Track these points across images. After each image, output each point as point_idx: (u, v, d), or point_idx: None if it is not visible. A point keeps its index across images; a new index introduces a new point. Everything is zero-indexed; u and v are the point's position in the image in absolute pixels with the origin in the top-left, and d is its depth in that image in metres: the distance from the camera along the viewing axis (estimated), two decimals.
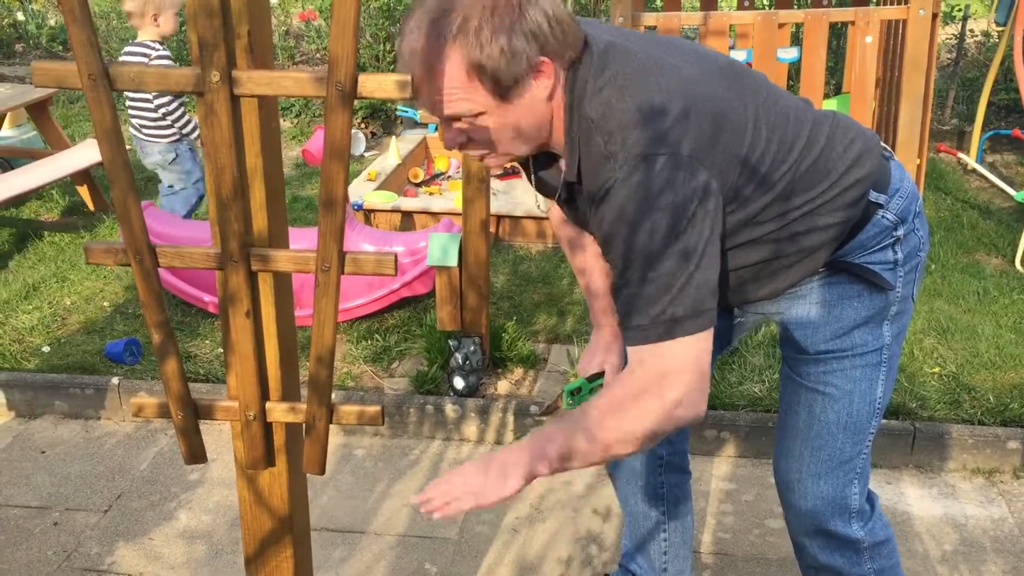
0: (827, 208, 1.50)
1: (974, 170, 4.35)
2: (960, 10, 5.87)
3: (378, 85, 1.13)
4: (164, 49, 3.79)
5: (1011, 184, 4.32)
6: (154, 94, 3.72)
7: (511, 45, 1.31)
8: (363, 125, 5.93)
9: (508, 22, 1.31)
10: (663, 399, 1.36)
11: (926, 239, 1.65)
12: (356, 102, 3.53)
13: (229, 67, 1.09)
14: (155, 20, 3.75)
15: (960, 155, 4.40)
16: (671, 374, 1.36)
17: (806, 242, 1.52)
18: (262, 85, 1.11)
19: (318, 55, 6.98)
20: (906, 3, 3.57)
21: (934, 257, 3.93)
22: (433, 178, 4.90)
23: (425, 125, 5.29)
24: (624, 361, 1.82)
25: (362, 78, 1.13)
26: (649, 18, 3.86)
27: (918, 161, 3.73)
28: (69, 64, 1.07)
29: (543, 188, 1.62)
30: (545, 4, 1.34)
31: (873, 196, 1.54)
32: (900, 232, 1.57)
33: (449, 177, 4.91)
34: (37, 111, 4.75)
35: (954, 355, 3.18)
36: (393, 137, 5.20)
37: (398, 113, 5.61)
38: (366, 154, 5.52)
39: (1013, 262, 3.87)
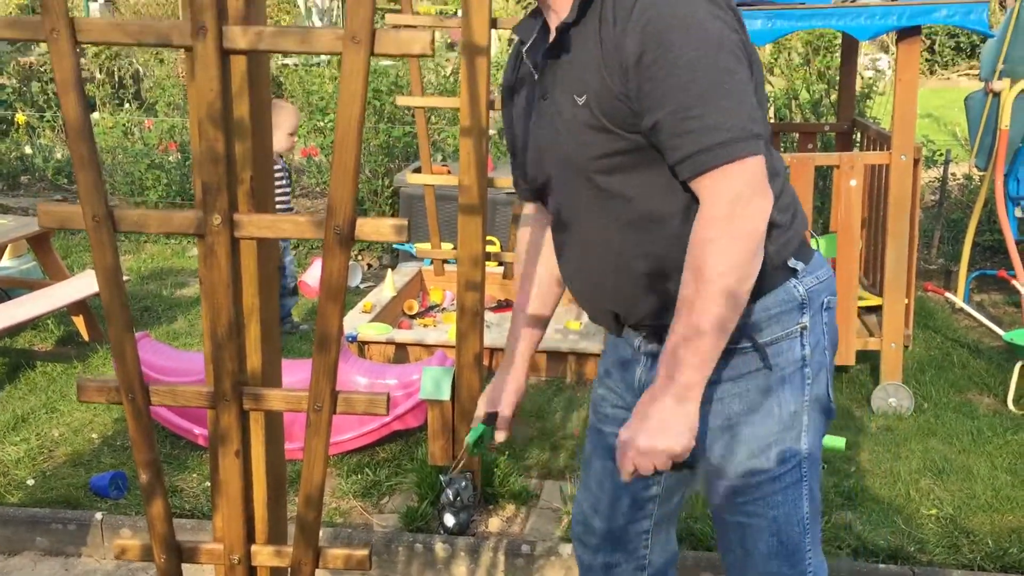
0: None
1: (962, 309, 4.41)
2: (942, 155, 6.06)
3: (375, 229, 1.16)
4: (275, 162, 4.18)
5: (999, 324, 4.37)
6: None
7: None
8: (360, 257, 6.01)
9: None
10: (751, 207, 1.37)
11: (834, 344, 1.64)
12: None
13: (231, 211, 1.12)
14: None
15: (947, 295, 4.47)
16: (754, 187, 1.37)
17: None
18: (262, 228, 1.14)
19: (318, 188, 7.14)
20: (888, 148, 3.69)
21: (927, 396, 3.93)
22: (428, 310, 4.94)
23: (421, 259, 5.37)
24: (518, 405, 1.88)
25: (360, 222, 1.16)
26: None
27: (906, 300, 3.78)
28: (74, 207, 1.10)
29: (531, 63, 1.62)
30: None
31: (792, 262, 1.56)
32: (806, 319, 1.56)
33: (444, 309, 4.95)
34: (38, 242, 4.82)
35: (951, 496, 3.14)
36: (389, 269, 5.26)
37: (395, 246, 5.70)
38: (362, 285, 5.58)
39: (1005, 402, 3.87)
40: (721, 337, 1.40)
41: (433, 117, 7.04)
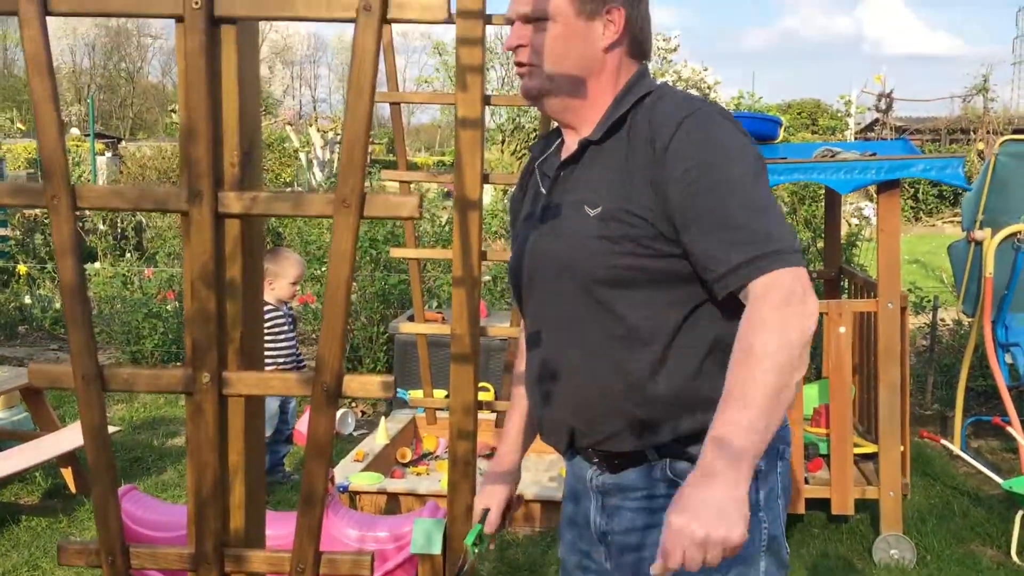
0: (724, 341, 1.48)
1: (960, 457, 4.37)
2: (930, 300, 6.14)
3: (362, 386, 1.17)
4: (278, 310, 4.44)
5: (997, 471, 4.32)
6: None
7: None
8: (353, 404, 5.99)
9: None
10: (805, 305, 1.37)
11: (787, 492, 1.61)
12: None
13: (220, 369, 1.14)
14: (270, 285, 4.35)
15: (943, 442, 4.44)
16: (806, 289, 1.38)
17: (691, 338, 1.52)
18: (251, 386, 1.15)
19: (314, 335, 7.17)
20: (875, 296, 3.75)
21: (929, 548, 3.85)
22: (421, 458, 4.88)
23: (415, 407, 5.34)
24: (511, 498, 1.84)
25: (348, 379, 1.17)
26: None
27: (902, 448, 3.75)
28: (64, 367, 1.12)
29: (542, 177, 1.67)
30: (646, 3, 1.59)
31: None
32: (762, 463, 1.51)
33: (437, 457, 4.89)
34: (31, 394, 4.80)
35: None
36: (383, 417, 5.23)
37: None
38: (355, 433, 5.53)
39: (1009, 553, 3.79)
40: (773, 418, 1.34)
41: (428, 265, 7.17)
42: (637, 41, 1.60)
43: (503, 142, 23.39)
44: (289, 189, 11.55)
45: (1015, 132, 16.74)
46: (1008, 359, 4.76)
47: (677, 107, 1.50)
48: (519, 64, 1.60)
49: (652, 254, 1.49)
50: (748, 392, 1.33)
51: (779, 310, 1.36)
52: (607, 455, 1.61)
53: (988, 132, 16.96)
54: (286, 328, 4.66)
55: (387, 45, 3.03)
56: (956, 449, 4.36)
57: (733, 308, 1.46)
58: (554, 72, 1.57)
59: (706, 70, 15.11)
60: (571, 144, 1.63)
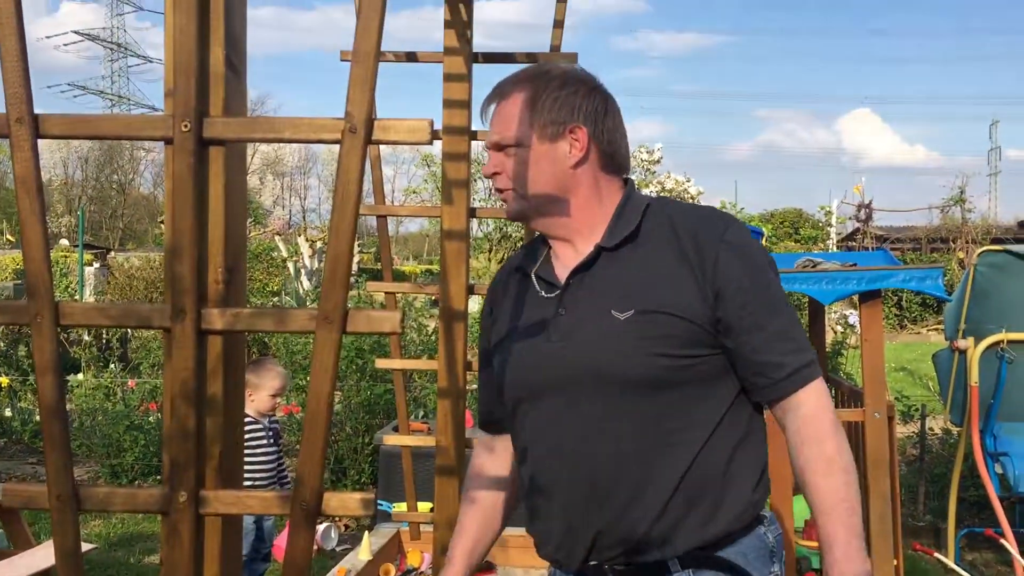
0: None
1: (954, 571, 4.30)
2: (918, 409, 6.13)
3: (342, 503, 1.16)
4: (257, 423, 4.31)
5: None
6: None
7: (565, 100, 1.61)
8: (336, 518, 5.87)
9: (575, 90, 1.63)
10: (839, 428, 1.54)
11: None
12: None
13: (197, 487, 1.12)
14: (250, 397, 4.23)
15: (937, 555, 4.37)
16: (830, 404, 1.55)
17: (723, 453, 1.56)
18: (228, 504, 1.13)
19: (296, 447, 7.08)
20: (861, 406, 3.74)
21: None
22: (405, 574, 4.76)
23: (399, 522, 5.24)
24: None
25: (327, 496, 1.16)
26: None
27: (895, 561, 3.68)
28: (39, 487, 1.10)
29: (543, 283, 1.68)
30: (612, 116, 1.65)
31: (764, 509, 1.59)
32: (776, 568, 1.57)
33: (421, 573, 4.77)
34: (6, 511, 4.69)
35: None
36: (366, 531, 5.12)
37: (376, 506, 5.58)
38: (337, 548, 5.41)
39: None
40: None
41: (415, 375, 7.14)
42: (607, 155, 1.65)
43: (490, 251, 23.62)
44: (276, 298, 11.58)
45: (993, 242, 17.05)
46: (998, 468, 4.73)
47: (709, 217, 1.61)
48: (499, 190, 1.67)
49: (691, 354, 1.53)
50: (846, 499, 1.49)
51: (832, 415, 1.54)
52: (627, 567, 1.58)
53: (967, 242, 17.27)
54: (264, 442, 4.59)
55: (375, 158, 3.10)
56: (950, 563, 4.28)
57: (753, 407, 1.61)
58: (530, 194, 1.63)
59: (688, 180, 15.43)
60: (566, 253, 1.66)
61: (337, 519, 5.88)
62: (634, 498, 1.53)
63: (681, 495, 1.52)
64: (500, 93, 1.65)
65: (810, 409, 1.53)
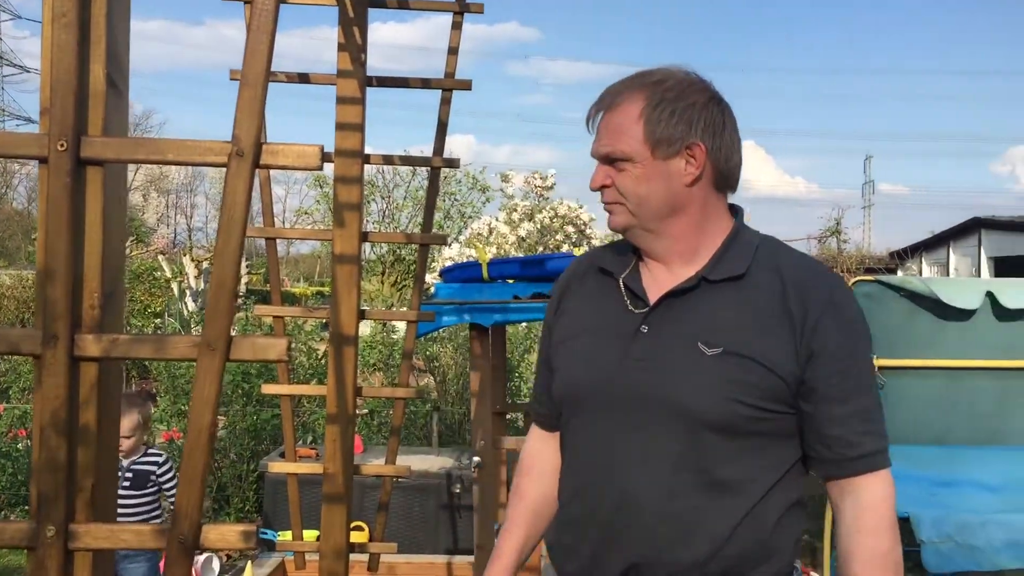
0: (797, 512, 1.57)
1: None
2: None
3: (221, 536, 1.13)
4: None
5: None
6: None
7: (684, 112, 1.52)
8: (241, 552, 5.69)
9: (697, 101, 1.53)
10: (896, 524, 1.50)
11: None
12: None
13: (67, 521, 1.07)
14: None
15: (813, 574, 4.51)
16: (893, 497, 1.51)
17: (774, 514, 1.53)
18: (100, 539, 1.09)
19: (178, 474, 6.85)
20: None
21: None
22: None
23: (284, 552, 5.11)
24: None
25: (205, 529, 1.12)
26: (510, 442, 4.02)
27: None
28: None
29: (631, 295, 1.60)
30: (730, 131, 1.56)
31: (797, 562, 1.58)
32: None
33: None
34: None
35: None
36: (249, 562, 4.98)
37: (258, 536, 5.43)
38: None
39: None
40: None
41: (304, 400, 7.00)
42: (722, 174, 1.57)
43: (383, 273, 23.44)
44: (159, 320, 11.19)
45: (866, 272, 17.84)
46: None
47: (820, 274, 1.56)
48: (605, 201, 1.59)
49: (769, 408, 1.49)
50: None
51: (893, 510, 1.51)
52: None
53: (843, 271, 18.03)
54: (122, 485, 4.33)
55: (264, 179, 3.04)
56: (799, 572, 4.43)
57: (805, 471, 1.57)
58: (639, 211, 1.56)
59: (581, 207, 15.66)
60: (660, 270, 1.60)
61: (243, 551, 5.70)
62: (680, 540, 1.49)
63: (730, 547, 1.48)
64: (610, 100, 1.55)
65: (873, 498, 1.49)
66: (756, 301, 1.51)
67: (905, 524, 4.92)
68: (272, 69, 3.41)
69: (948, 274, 19.31)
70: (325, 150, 1.34)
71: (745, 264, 1.54)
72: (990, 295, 4.70)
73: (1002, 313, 4.73)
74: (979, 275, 18.00)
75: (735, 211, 1.65)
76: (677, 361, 1.51)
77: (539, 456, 1.78)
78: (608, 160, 1.55)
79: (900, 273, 20.14)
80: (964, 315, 4.71)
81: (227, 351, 1.10)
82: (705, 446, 1.48)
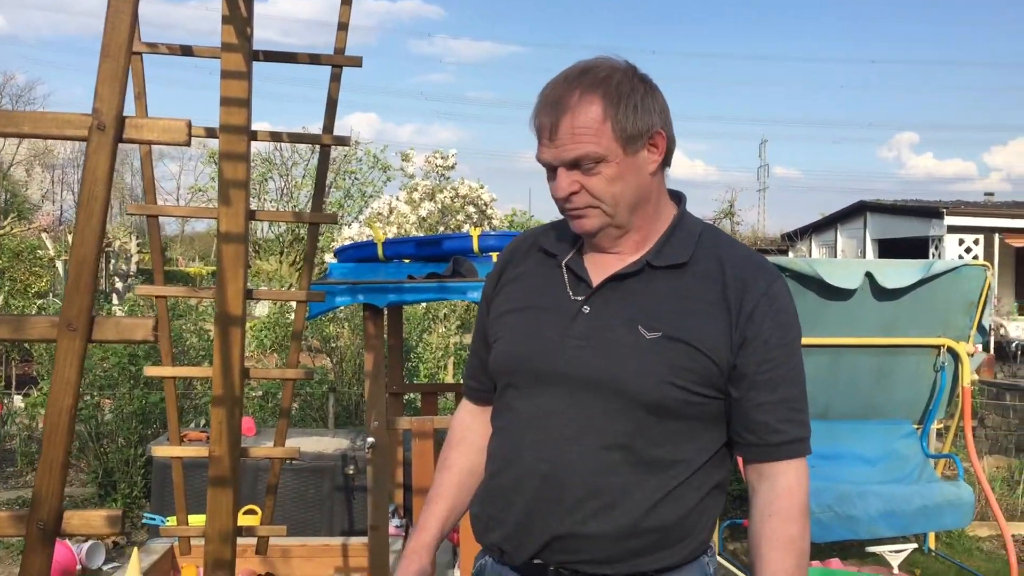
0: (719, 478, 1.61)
1: (716, 558, 4.59)
2: None
3: (84, 522, 1.10)
4: None
5: (750, 574, 4.56)
6: None
7: (643, 103, 1.53)
8: (106, 537, 5.52)
9: (643, 89, 1.55)
10: (807, 512, 1.56)
11: None
12: None
13: None
14: None
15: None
16: (807, 485, 1.57)
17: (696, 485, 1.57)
18: None
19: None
20: None
21: None
22: None
23: (170, 537, 4.99)
24: None
25: (68, 515, 1.09)
26: (406, 422, 4.01)
27: None
28: None
29: (572, 277, 1.62)
30: (668, 110, 1.59)
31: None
32: None
33: None
34: None
35: None
36: (135, 548, 4.85)
37: (144, 521, 5.30)
38: (105, 567, 5.09)
39: None
40: None
41: (197, 383, 6.83)
42: (670, 155, 1.61)
43: (281, 253, 23.02)
44: (42, 300, 10.75)
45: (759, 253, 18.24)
46: None
47: (758, 265, 1.60)
48: (574, 208, 1.57)
49: (702, 393, 1.53)
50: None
51: (806, 497, 1.56)
52: (574, 574, 1.56)
53: None
54: None
55: (145, 154, 2.94)
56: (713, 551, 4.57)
57: (731, 456, 1.62)
58: (615, 210, 1.56)
59: (482, 187, 15.65)
60: (606, 255, 1.62)
61: (107, 536, 5.53)
62: (604, 512, 1.53)
63: (651, 522, 1.53)
64: (565, 105, 1.52)
65: (788, 484, 1.55)
66: (696, 288, 1.56)
67: None
68: (160, 40, 3.26)
69: (836, 255, 20.05)
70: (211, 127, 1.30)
71: (688, 252, 1.58)
72: (869, 275, 4.90)
73: (880, 293, 4.95)
74: (864, 256, 18.73)
75: (678, 197, 1.68)
76: (617, 343, 1.54)
77: (469, 429, 1.80)
78: (574, 165, 1.53)
79: (791, 254, 20.83)
80: (845, 294, 4.90)
81: (89, 331, 1.07)
82: (638, 426, 1.52)
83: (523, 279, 1.69)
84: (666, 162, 1.61)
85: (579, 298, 1.59)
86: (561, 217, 1.66)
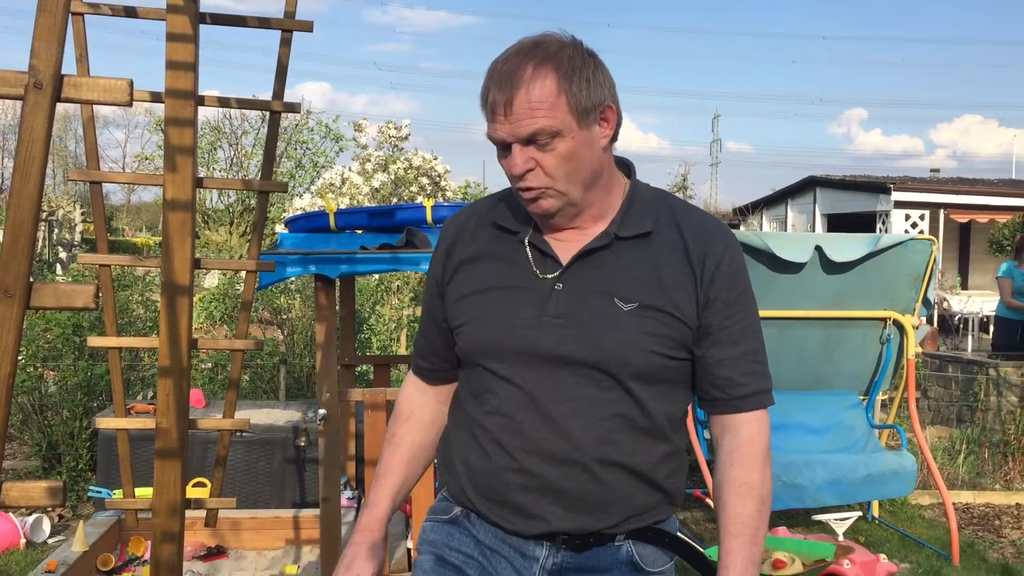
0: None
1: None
2: None
3: (24, 493, 1.07)
4: None
5: (700, 541, 4.64)
6: None
7: (594, 77, 1.53)
8: (49, 509, 5.43)
9: (593, 64, 1.54)
10: (769, 460, 1.62)
11: None
12: None
13: None
14: None
15: None
16: (768, 434, 1.63)
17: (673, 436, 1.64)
18: None
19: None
20: None
21: None
22: (127, 563, 4.49)
23: (116, 510, 4.92)
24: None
25: (7, 487, 1.06)
26: (357, 394, 3.98)
27: None
28: None
29: (537, 253, 1.62)
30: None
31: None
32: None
33: (144, 562, 4.52)
34: None
35: None
36: (81, 521, 4.78)
37: (89, 494, 5.22)
38: (51, 540, 5.01)
39: None
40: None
41: (145, 355, 6.72)
42: (619, 129, 1.61)
43: (231, 223, 22.70)
44: None
45: None
46: (707, 434, 5.17)
47: (715, 229, 1.64)
48: (529, 188, 1.55)
49: (677, 356, 1.59)
50: (755, 527, 1.57)
51: (767, 446, 1.62)
52: (579, 534, 1.61)
53: None
54: None
55: (87, 119, 2.86)
56: None
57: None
58: (570, 187, 1.55)
59: (436, 159, 15.53)
60: (569, 231, 1.62)
61: (50, 509, 5.44)
62: (608, 479, 1.58)
63: (648, 482, 1.60)
64: (518, 80, 1.49)
65: (750, 433, 1.61)
66: (662, 256, 1.60)
67: None
68: (98, 1, 3.17)
69: (787, 229, 20.31)
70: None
71: (652, 221, 1.61)
72: (819, 249, 4.97)
73: (829, 266, 5.02)
74: (814, 231, 19.00)
75: (627, 165, 1.70)
76: (596, 317, 1.56)
77: (417, 404, 1.81)
78: (530, 141, 1.51)
79: (742, 228, 21.04)
80: (795, 268, 4.96)
81: (27, 298, 1.03)
82: (629, 395, 1.57)
83: (481, 259, 1.66)
84: (615, 137, 1.61)
85: (549, 276, 1.60)
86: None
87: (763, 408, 1.63)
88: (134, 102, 1.71)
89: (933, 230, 16.43)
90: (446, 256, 1.71)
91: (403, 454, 1.77)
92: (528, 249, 1.62)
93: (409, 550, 4.25)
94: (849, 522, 4.52)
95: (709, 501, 4.81)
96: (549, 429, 1.56)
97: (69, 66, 1.16)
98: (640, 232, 1.60)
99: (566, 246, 1.61)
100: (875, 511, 5.55)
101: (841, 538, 4.38)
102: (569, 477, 1.57)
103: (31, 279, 1.04)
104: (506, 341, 1.59)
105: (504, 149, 1.55)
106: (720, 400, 1.62)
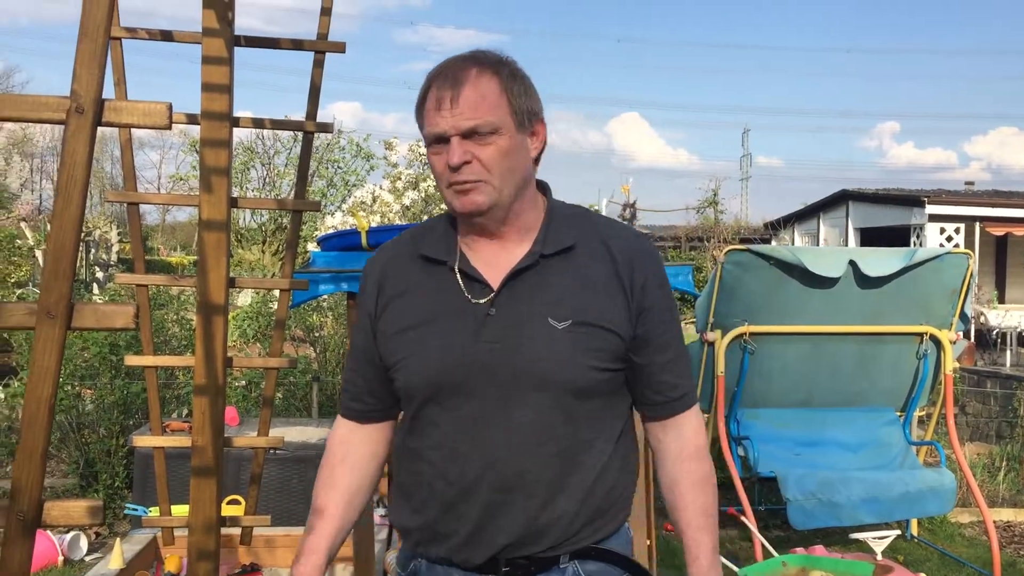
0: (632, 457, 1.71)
1: None
2: None
3: (65, 513, 1.08)
4: None
5: (735, 560, 4.58)
6: None
7: (529, 89, 1.60)
8: (87, 527, 5.48)
9: (527, 79, 1.62)
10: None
11: None
12: None
13: None
14: None
15: None
16: (704, 428, 1.71)
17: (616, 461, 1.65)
18: None
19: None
20: None
21: None
22: None
23: (152, 528, 4.96)
24: None
25: (48, 506, 1.07)
26: None
27: (648, 541, 3.90)
28: None
29: (467, 280, 1.62)
30: None
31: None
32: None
33: None
34: None
35: None
36: (118, 538, 4.82)
37: (126, 511, 5.26)
38: (88, 558, 5.06)
39: None
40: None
41: (179, 373, 6.79)
42: (544, 147, 1.66)
43: (264, 242, 22.88)
44: (21, 291, 10.65)
45: (742, 241, 18.42)
46: (740, 451, 5.12)
47: (640, 244, 1.69)
48: (464, 182, 1.56)
49: (613, 368, 1.62)
50: (714, 515, 1.67)
51: (705, 438, 1.72)
52: (525, 559, 1.61)
53: (720, 241, 18.54)
54: None
55: (125, 141, 2.90)
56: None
57: (632, 421, 1.72)
58: (503, 186, 1.57)
59: None
60: (493, 251, 1.62)
61: (88, 527, 5.49)
62: (551, 500, 1.59)
63: (591, 499, 1.62)
64: (465, 77, 1.55)
65: (694, 429, 1.70)
66: (589, 270, 1.62)
67: (772, 482, 5.14)
68: (138, 26, 3.22)
69: (818, 244, 20.13)
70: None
71: (573, 236, 1.63)
72: (852, 263, 4.91)
73: (863, 280, 4.96)
74: (846, 245, 18.81)
75: (544, 188, 1.73)
76: (532, 339, 1.57)
77: (351, 445, 1.78)
78: (471, 135, 1.54)
79: (774, 242, 20.90)
80: (828, 282, 4.92)
81: (68, 318, 1.05)
82: (568, 413, 1.58)
83: (412, 292, 1.66)
84: (540, 157, 1.67)
85: (481, 301, 1.60)
86: (424, 219, 1.69)
87: (696, 404, 1.73)
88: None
89: (969, 243, 16.20)
90: (377, 291, 1.70)
91: (342, 498, 1.74)
92: (458, 276, 1.62)
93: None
94: (888, 540, 4.45)
95: (744, 520, 4.75)
96: (491, 456, 1.57)
97: (108, 90, 1.18)
98: (563, 247, 1.62)
99: (494, 270, 1.61)
100: (914, 529, 5.47)
101: (880, 557, 4.31)
102: (513, 503, 1.57)
103: (72, 300, 1.05)
104: (444, 373, 1.59)
105: (441, 143, 1.57)
106: (662, 404, 1.69)
